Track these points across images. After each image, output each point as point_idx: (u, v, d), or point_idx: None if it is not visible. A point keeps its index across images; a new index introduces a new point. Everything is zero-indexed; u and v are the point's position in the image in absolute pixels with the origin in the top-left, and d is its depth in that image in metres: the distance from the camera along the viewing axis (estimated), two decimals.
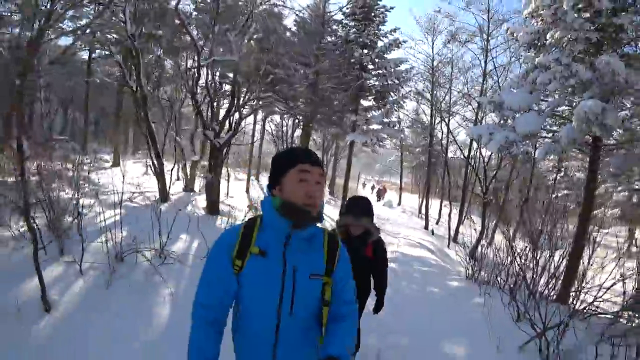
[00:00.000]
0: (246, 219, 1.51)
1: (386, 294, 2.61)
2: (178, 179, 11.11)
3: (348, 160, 13.42)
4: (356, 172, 28.08)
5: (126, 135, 18.46)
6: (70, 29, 12.18)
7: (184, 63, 9.73)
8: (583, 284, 3.57)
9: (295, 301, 1.23)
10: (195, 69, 5.07)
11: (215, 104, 5.68)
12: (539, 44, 7.09)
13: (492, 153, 10.38)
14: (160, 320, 2.88)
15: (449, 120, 14.81)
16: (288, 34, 12.21)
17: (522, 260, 4.05)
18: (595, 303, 3.33)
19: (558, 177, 14.58)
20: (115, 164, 12.57)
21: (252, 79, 5.85)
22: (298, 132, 17.05)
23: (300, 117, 11.86)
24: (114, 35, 10.68)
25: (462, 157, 12.55)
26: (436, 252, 9.82)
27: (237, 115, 5.73)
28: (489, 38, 12.70)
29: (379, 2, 12.93)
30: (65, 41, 12.86)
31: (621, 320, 3.22)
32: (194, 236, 4.66)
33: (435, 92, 15.35)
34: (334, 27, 13.06)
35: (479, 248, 7.70)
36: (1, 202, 3.66)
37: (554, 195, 13.14)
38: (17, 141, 5.22)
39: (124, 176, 6.02)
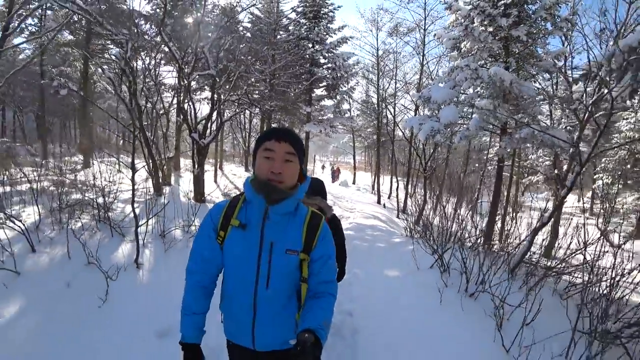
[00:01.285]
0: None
1: (349, 247, 3.59)
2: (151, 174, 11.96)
3: (306, 148, 14.79)
4: (311, 153, 29.61)
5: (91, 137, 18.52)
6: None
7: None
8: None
9: (271, 275, 1.31)
10: (185, 84, 6.13)
11: (195, 109, 6.74)
12: (459, 47, 8.81)
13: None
14: None
15: (394, 105, 16.61)
16: (243, 31, 13.16)
17: (442, 216, 5.72)
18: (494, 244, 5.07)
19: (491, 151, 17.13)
20: (86, 165, 13.04)
21: (228, 86, 7.03)
22: (254, 121, 18.13)
23: (258, 110, 13.00)
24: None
25: (405, 138, 14.33)
26: (386, 221, 11.56)
27: (217, 118, 6.93)
28: (426, 33, 14.49)
29: (327, 1, 14.21)
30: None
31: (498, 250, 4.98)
32: (200, 217, 5.87)
33: (380, 80, 17.06)
34: (286, 24, 14.18)
35: (422, 215, 9.52)
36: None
37: (489, 167, 15.56)
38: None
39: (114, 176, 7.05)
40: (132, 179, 3.73)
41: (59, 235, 3.67)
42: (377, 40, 16.84)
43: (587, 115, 4.75)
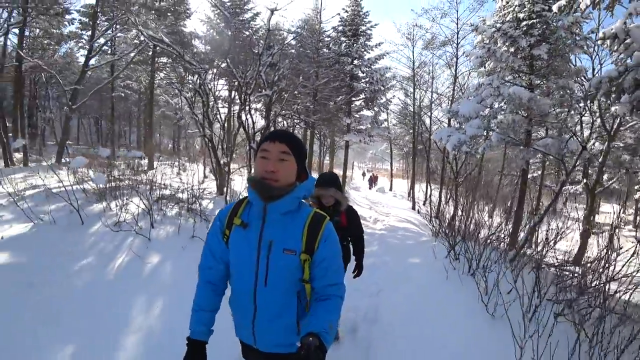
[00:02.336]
0: None
1: (381, 240, 4.84)
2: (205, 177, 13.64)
3: (345, 156, 15.96)
4: (350, 160, 30.71)
5: (156, 141, 20.85)
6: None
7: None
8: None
9: (269, 273, 1.34)
10: (246, 102, 7.48)
11: (254, 122, 8.07)
12: (485, 65, 9.62)
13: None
14: None
15: (430, 116, 17.40)
16: (290, 49, 14.60)
17: (461, 217, 6.61)
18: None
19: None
20: (150, 167, 14.97)
21: (280, 103, 8.37)
22: (297, 131, 19.56)
23: (304, 123, 14.33)
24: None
25: (438, 148, 15.08)
26: (418, 225, 12.38)
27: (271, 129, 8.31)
28: (458, 47, 15.24)
29: (364, 19, 15.37)
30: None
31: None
32: None
33: (416, 91, 17.91)
34: (327, 41, 15.48)
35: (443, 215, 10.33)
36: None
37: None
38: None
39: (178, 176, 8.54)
40: (217, 178, 5.03)
41: (163, 218, 5.06)
42: (413, 53, 17.80)
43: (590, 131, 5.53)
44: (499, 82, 8.30)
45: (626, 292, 3.25)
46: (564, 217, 10.11)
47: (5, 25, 12.55)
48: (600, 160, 8.52)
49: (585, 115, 8.70)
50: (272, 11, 6.60)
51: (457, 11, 14.78)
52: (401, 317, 3.46)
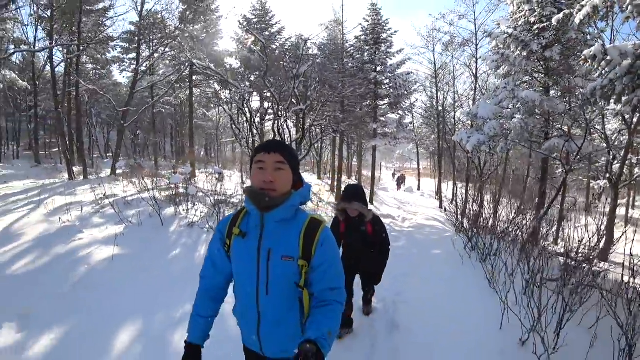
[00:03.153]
0: None
1: (409, 236, 5.56)
2: (243, 182, 14.86)
3: (373, 159, 16.71)
4: (377, 161, 31.30)
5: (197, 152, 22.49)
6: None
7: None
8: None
9: (270, 281, 1.36)
10: (283, 116, 8.48)
11: (290, 133, 9.07)
12: (500, 69, 10.18)
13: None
14: None
15: (454, 116, 17.88)
16: (317, 58, 15.55)
17: (480, 213, 7.31)
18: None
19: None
20: (192, 175, 16.36)
21: (312, 114, 9.38)
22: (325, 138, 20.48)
23: (333, 131, 15.24)
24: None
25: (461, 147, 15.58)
26: (444, 222, 12.99)
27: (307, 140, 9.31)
28: (477, 47, 15.71)
29: (385, 27, 16.12)
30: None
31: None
32: None
33: (439, 92, 18.43)
34: (351, 51, 16.34)
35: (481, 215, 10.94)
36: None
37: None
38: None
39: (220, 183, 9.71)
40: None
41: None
42: (433, 55, 18.35)
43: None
44: (513, 85, 8.89)
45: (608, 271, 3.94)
46: (598, 213, 10.51)
47: (65, 57, 14.31)
48: (622, 155, 8.91)
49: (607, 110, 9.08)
50: (306, 41, 7.57)
51: (475, 12, 15.32)
52: (419, 293, 4.29)
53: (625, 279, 3.90)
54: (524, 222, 7.34)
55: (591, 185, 17.96)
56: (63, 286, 3.83)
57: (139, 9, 14.51)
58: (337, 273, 1.41)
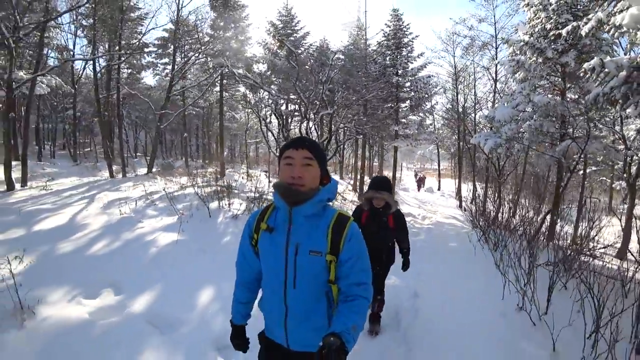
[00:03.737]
0: None
1: (428, 231, 6.27)
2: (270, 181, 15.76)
3: (394, 160, 17.33)
4: (399, 161, 31.78)
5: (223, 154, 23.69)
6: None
7: None
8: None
9: (297, 275, 1.40)
10: (313, 120, 9.24)
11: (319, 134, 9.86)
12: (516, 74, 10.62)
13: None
14: None
15: (474, 117, 18.23)
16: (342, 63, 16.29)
17: (490, 210, 7.87)
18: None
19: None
20: (222, 174, 17.37)
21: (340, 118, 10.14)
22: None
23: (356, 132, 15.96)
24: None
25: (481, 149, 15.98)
26: (463, 221, 13.51)
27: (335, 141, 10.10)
28: (497, 50, 16.07)
29: (406, 32, 16.70)
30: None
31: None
32: None
33: (459, 95, 18.83)
34: (373, 56, 17.01)
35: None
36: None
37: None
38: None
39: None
40: None
41: None
42: (454, 58, 18.76)
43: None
44: (529, 90, 9.36)
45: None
46: (620, 213, 10.83)
47: (106, 64, 15.55)
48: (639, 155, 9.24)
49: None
50: (335, 52, 8.31)
51: (495, 16, 15.73)
52: (436, 273, 4.97)
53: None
54: (534, 219, 7.88)
55: (613, 186, 18.02)
56: (139, 263, 4.69)
57: (175, 17, 15.60)
58: (364, 268, 1.43)
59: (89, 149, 25.86)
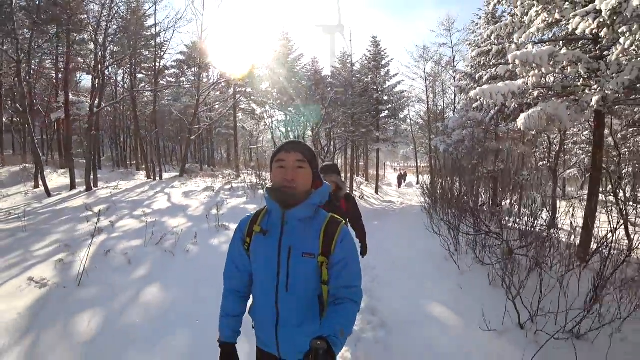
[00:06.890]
0: None
1: (401, 209, 9.97)
2: None
3: (377, 160, 21.33)
4: (382, 161, 35.79)
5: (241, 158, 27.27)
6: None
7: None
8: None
9: (290, 278, 1.39)
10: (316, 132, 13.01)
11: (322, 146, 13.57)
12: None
13: None
14: None
15: (443, 122, 22.37)
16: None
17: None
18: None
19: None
20: (237, 175, 21.01)
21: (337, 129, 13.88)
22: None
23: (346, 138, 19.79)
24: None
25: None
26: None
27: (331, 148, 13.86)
28: (456, 68, 20.19)
29: (383, 56, 20.64)
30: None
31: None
32: None
33: (429, 102, 23.07)
34: (358, 76, 20.88)
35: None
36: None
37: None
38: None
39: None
40: None
41: None
42: (425, 74, 22.94)
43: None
44: (468, 107, 13.34)
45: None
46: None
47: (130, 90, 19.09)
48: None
49: None
50: (333, 90, 12.10)
51: (452, 41, 20.05)
52: (393, 227, 8.78)
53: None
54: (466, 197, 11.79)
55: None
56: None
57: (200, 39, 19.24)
58: (354, 271, 1.43)
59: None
